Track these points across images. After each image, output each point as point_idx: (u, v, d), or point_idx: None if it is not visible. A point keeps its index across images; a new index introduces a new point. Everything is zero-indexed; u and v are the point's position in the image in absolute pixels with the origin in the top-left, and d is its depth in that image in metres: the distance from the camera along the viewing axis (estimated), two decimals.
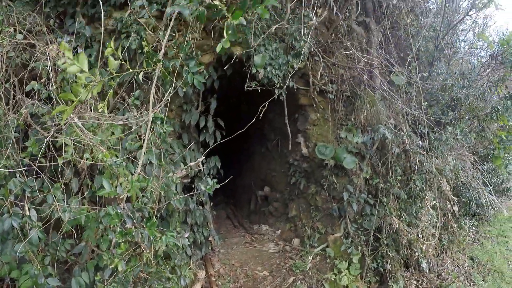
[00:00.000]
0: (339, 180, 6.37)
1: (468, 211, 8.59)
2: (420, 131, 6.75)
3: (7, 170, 3.36)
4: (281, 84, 5.62)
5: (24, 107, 3.91)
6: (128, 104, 4.42)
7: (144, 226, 3.47)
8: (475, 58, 9.51)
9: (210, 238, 6.02)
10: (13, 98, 4.06)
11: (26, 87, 4.03)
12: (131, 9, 4.63)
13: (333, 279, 5.77)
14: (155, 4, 4.62)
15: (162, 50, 4.24)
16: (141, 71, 3.71)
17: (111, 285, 3.52)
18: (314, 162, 6.68)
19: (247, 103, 8.87)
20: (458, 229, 7.65)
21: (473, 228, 9.00)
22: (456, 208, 6.95)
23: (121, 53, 4.65)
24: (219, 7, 3.43)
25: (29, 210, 3.32)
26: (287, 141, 6.94)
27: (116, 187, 3.54)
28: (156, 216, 4.04)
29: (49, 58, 3.98)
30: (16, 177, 3.41)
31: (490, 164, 8.92)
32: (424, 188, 6.40)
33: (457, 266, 7.14)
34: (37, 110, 3.86)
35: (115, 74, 2.49)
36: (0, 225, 3.19)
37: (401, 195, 6.22)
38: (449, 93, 7.10)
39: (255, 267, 6.16)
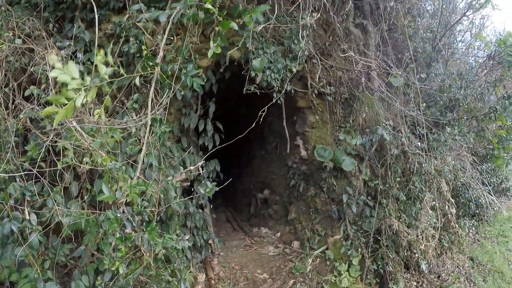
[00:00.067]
0: (338, 182, 6.38)
1: (467, 211, 8.59)
2: (418, 132, 6.77)
3: (7, 175, 3.36)
4: (280, 88, 5.63)
5: (23, 111, 3.92)
6: (127, 108, 4.43)
7: (144, 229, 3.47)
8: (472, 59, 9.54)
9: (210, 241, 6.02)
10: (13, 103, 4.07)
11: (26, 92, 4.04)
12: (129, 13, 4.66)
13: (333, 281, 5.77)
14: (153, 9, 4.64)
15: (160, 54, 4.26)
16: (136, 76, 3.71)
17: None
18: (313, 164, 6.69)
19: (246, 106, 8.88)
20: (458, 230, 7.66)
21: (473, 228, 9.01)
22: (453, 210, 6.95)
23: (120, 57, 4.70)
24: (211, 11, 3.48)
25: (29, 214, 3.33)
26: (286, 144, 6.96)
27: (115, 191, 3.55)
28: (156, 219, 4.05)
29: (48, 63, 4.00)
30: (16, 181, 3.41)
31: (489, 164, 8.94)
32: (423, 189, 6.41)
33: (457, 267, 7.14)
34: (37, 115, 3.87)
35: (108, 80, 2.49)
36: (0, 229, 3.20)
37: (400, 197, 6.23)
38: (447, 94, 7.12)
39: (255, 270, 6.15)
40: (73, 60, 4.40)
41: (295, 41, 5.70)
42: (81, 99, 2.20)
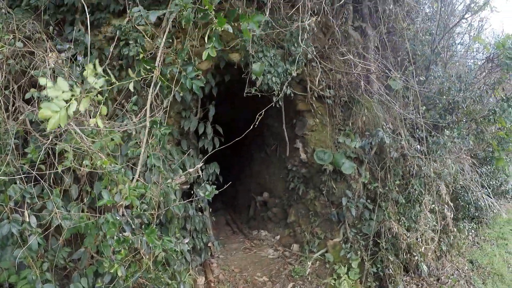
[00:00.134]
0: (337, 185, 6.38)
1: (467, 214, 8.59)
2: (418, 135, 6.77)
3: (7, 177, 3.37)
4: (279, 92, 5.64)
5: (23, 114, 3.93)
6: (126, 110, 4.44)
7: (144, 232, 3.48)
8: (471, 61, 9.56)
9: (209, 244, 6.02)
10: (13, 105, 4.08)
11: (26, 95, 4.05)
12: (129, 17, 4.67)
13: (332, 284, 5.76)
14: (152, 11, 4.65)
15: (159, 56, 4.27)
16: (130, 81, 3.71)
17: None
18: (312, 167, 6.70)
19: (246, 109, 8.88)
20: (458, 233, 7.66)
21: (472, 231, 9.00)
22: (449, 213, 6.94)
23: (121, 60, 4.72)
24: (208, 12, 3.50)
25: (28, 216, 3.33)
26: (286, 147, 6.97)
27: (115, 194, 3.56)
28: (155, 222, 4.05)
29: (48, 66, 4.01)
30: (16, 183, 3.42)
31: (488, 167, 8.94)
32: (423, 192, 6.42)
33: (457, 269, 7.14)
34: (37, 117, 3.87)
35: (99, 89, 2.51)
36: None
37: (400, 200, 6.23)
38: (446, 96, 7.13)
39: (254, 273, 6.15)
40: (73, 62, 4.42)
41: (295, 44, 5.71)
42: (73, 108, 2.22)
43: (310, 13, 5.60)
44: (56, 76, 4.08)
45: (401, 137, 6.39)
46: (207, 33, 3.81)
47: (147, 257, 3.73)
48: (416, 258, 6.22)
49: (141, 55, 4.14)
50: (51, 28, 4.71)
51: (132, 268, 3.71)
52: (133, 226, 3.64)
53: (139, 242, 3.49)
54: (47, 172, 3.68)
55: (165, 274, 4.08)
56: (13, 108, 4.07)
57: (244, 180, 9.81)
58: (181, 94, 4.71)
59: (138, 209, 3.59)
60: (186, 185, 5.20)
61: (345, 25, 6.86)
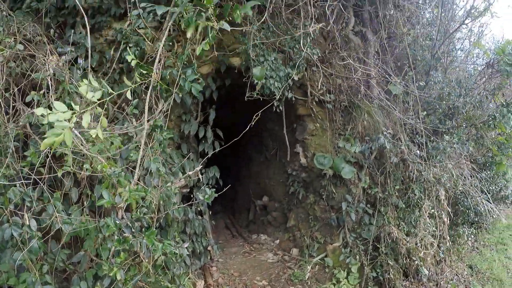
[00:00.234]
0: (337, 190, 6.38)
1: (466, 219, 8.57)
2: (418, 140, 6.77)
3: (7, 183, 3.36)
4: (280, 97, 5.64)
5: (23, 117, 3.93)
6: (127, 113, 4.43)
7: (143, 235, 3.47)
8: (471, 67, 9.58)
9: (209, 248, 6.00)
10: (13, 108, 4.08)
11: (26, 98, 4.05)
12: (130, 20, 4.68)
13: None
14: (152, 14, 4.66)
15: (157, 59, 4.26)
16: (127, 89, 3.71)
17: None
18: (312, 172, 6.69)
19: (247, 113, 8.88)
20: (457, 238, 7.65)
21: (472, 236, 8.97)
22: (446, 219, 6.92)
23: (121, 63, 4.72)
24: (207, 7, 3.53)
25: (28, 219, 3.32)
26: (286, 151, 6.97)
27: (115, 196, 3.55)
28: (155, 225, 4.05)
29: (49, 69, 4.01)
30: (16, 186, 3.41)
31: (488, 172, 8.93)
32: (422, 197, 6.41)
33: (456, 274, 7.12)
34: (37, 120, 3.87)
35: (97, 102, 2.53)
36: (0, 233, 3.19)
37: (400, 204, 6.23)
38: (446, 101, 7.13)
39: (253, 277, 6.13)
40: (74, 65, 4.42)
41: (296, 48, 5.72)
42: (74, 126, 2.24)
43: (312, 19, 5.61)
44: (57, 79, 4.09)
45: (401, 142, 6.39)
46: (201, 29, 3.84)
47: (147, 260, 3.72)
48: (415, 263, 6.20)
49: (134, 62, 4.04)
50: (52, 31, 4.72)
51: (132, 271, 3.70)
52: (133, 230, 3.63)
53: (139, 245, 3.49)
54: (47, 176, 3.67)
55: (165, 277, 4.07)
56: (13, 110, 4.07)
57: (244, 184, 9.79)
58: (180, 95, 4.69)
59: (138, 212, 3.59)
60: (186, 188, 5.20)
61: (346, 29, 6.88)
